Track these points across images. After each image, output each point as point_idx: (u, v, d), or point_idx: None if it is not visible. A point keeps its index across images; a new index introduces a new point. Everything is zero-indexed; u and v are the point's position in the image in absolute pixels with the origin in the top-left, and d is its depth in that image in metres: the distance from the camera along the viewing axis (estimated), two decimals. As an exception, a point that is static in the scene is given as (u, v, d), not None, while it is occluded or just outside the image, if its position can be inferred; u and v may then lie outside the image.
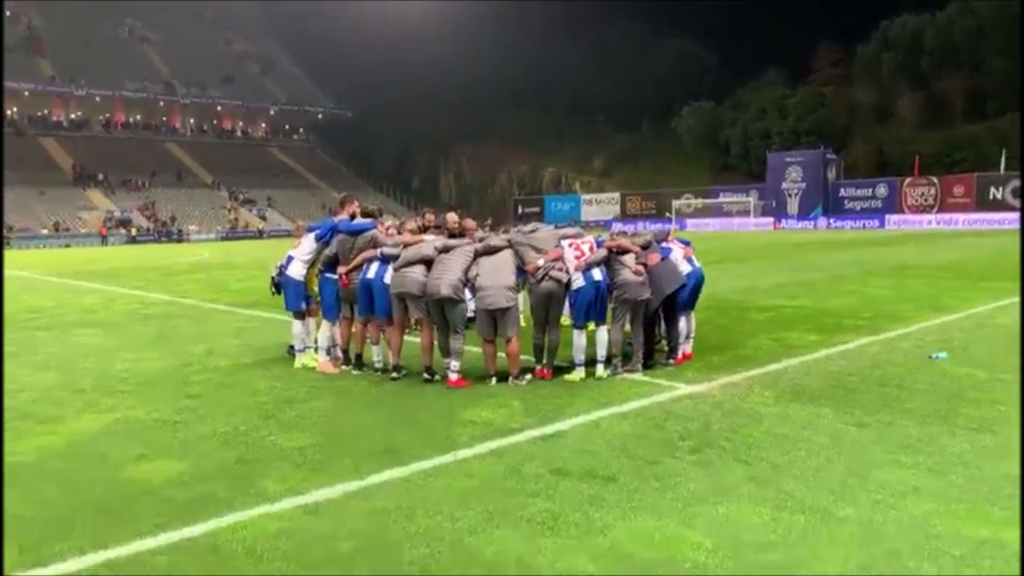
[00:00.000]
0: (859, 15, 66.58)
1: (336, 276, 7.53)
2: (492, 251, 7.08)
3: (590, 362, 7.01)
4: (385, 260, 7.23)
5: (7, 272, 24.44)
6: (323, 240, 7.76)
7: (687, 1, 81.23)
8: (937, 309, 10.84)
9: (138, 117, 76.97)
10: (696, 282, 7.76)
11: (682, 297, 7.48)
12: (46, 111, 71.66)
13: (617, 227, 57.14)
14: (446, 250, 7.09)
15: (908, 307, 11.18)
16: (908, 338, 8.76)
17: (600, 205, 69.02)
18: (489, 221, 61.88)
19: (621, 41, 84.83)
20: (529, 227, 7.53)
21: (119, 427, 5.84)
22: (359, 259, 7.40)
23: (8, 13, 76.69)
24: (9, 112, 69.22)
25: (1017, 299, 11.71)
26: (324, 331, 7.75)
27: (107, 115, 75.22)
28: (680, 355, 7.55)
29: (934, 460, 4.64)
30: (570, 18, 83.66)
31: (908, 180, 52.55)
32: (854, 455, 4.77)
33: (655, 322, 7.62)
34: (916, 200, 52.01)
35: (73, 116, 73.27)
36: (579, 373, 6.93)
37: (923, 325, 9.58)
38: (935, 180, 51.53)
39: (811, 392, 6.36)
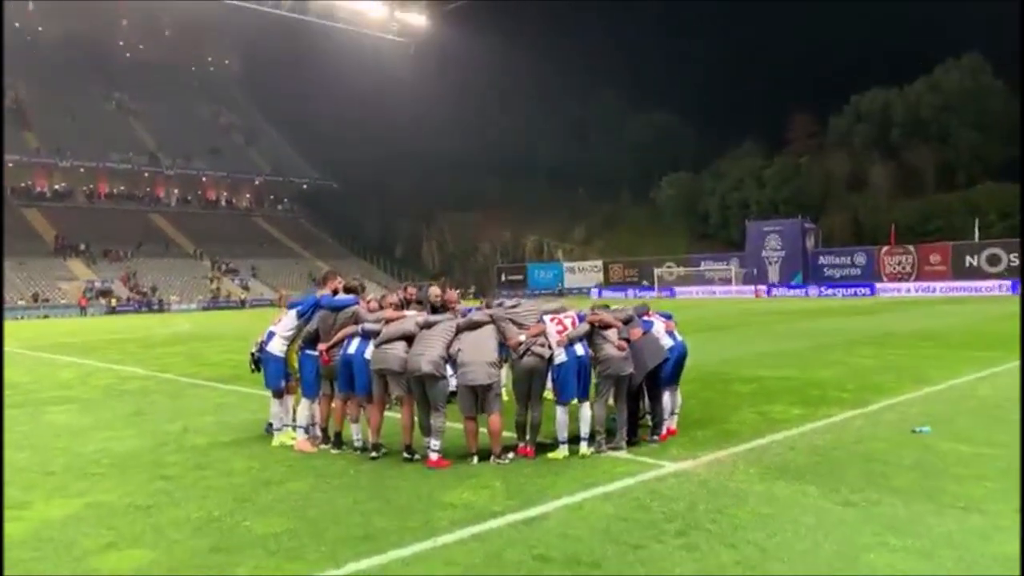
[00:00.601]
0: (831, 88, 68.71)
1: (316, 353, 7.46)
2: (474, 326, 7.06)
3: (573, 439, 6.92)
4: (366, 336, 7.17)
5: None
6: (305, 316, 7.71)
7: (664, 74, 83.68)
8: (919, 380, 10.86)
9: (122, 188, 77.14)
10: (679, 356, 7.74)
11: (665, 371, 7.45)
12: (29, 182, 71.76)
13: (597, 293, 57.48)
14: (428, 326, 7.06)
15: (891, 378, 11.20)
16: (892, 411, 8.75)
17: (583, 273, 69.50)
18: (473, 289, 61.71)
19: (599, 112, 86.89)
20: (511, 302, 7.53)
21: (89, 512, 5.66)
22: (340, 335, 7.35)
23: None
24: (-9, 184, 69.38)
25: (997, 369, 11.80)
26: (303, 409, 7.63)
27: (91, 186, 75.36)
28: (664, 431, 7.48)
29: (922, 542, 4.57)
30: (549, 91, 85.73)
31: (885, 248, 53.48)
32: (841, 536, 4.70)
33: (639, 397, 7.57)
34: (894, 268, 52.83)
35: (57, 187, 73.36)
36: (563, 451, 6.83)
37: (906, 397, 9.59)
38: (912, 248, 52.48)
39: (796, 469, 6.30)
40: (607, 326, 7.12)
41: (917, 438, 7.31)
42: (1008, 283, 45.10)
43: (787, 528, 4.86)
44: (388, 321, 7.21)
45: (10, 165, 68.86)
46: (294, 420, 7.75)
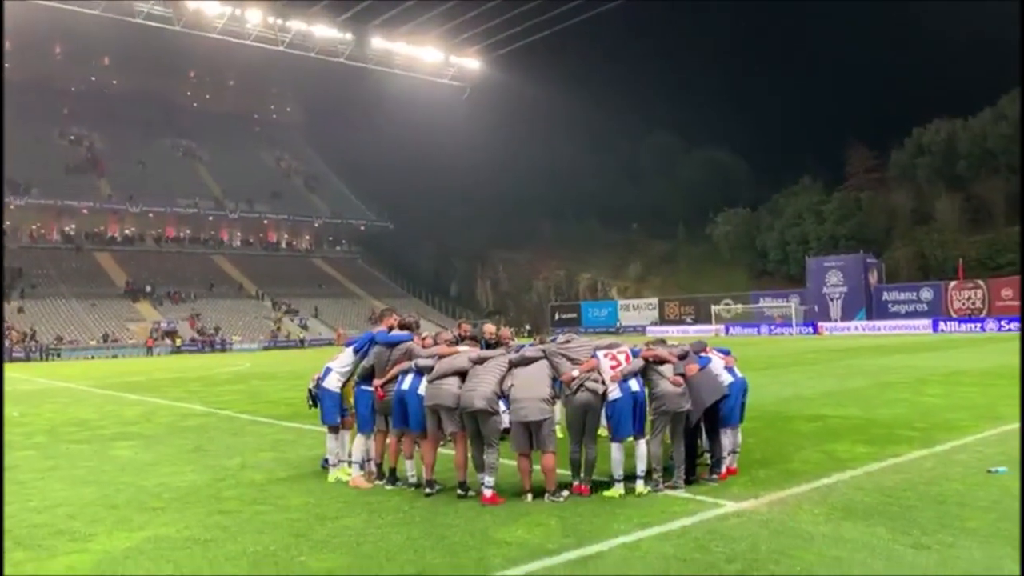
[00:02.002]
0: (890, 122, 67.43)
1: (372, 388, 7.52)
2: (526, 362, 7.02)
3: (629, 477, 6.78)
4: (420, 372, 7.20)
5: (57, 384, 24.98)
6: (361, 352, 7.79)
7: (717, 110, 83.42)
8: (994, 419, 10.38)
9: (188, 231, 79.92)
10: (738, 392, 7.54)
11: (725, 409, 7.27)
12: (102, 227, 74.86)
13: (652, 331, 56.80)
14: (480, 361, 7.05)
15: (963, 416, 10.74)
16: (965, 450, 8.36)
17: (638, 311, 68.93)
18: (527, 327, 61.51)
19: (652, 150, 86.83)
20: (563, 338, 7.47)
21: (149, 546, 5.74)
22: (394, 371, 7.39)
23: (72, 137, 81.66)
24: (67, 229, 72.55)
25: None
26: (359, 444, 7.66)
27: (159, 230, 78.23)
28: (724, 470, 7.27)
29: (1002, 588, 4.32)
30: (602, 130, 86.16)
31: (954, 283, 51.75)
32: (914, 581, 4.47)
33: (696, 434, 7.39)
34: (963, 303, 51.01)
35: (127, 232, 76.36)
36: (618, 489, 6.68)
37: (980, 436, 9.17)
38: (982, 283, 50.68)
39: (864, 509, 6.04)
40: (662, 361, 7.00)
41: (993, 478, 6.96)
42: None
43: (855, 571, 4.65)
44: (441, 357, 7.23)
45: (84, 212, 72.13)
46: (349, 456, 7.79)
